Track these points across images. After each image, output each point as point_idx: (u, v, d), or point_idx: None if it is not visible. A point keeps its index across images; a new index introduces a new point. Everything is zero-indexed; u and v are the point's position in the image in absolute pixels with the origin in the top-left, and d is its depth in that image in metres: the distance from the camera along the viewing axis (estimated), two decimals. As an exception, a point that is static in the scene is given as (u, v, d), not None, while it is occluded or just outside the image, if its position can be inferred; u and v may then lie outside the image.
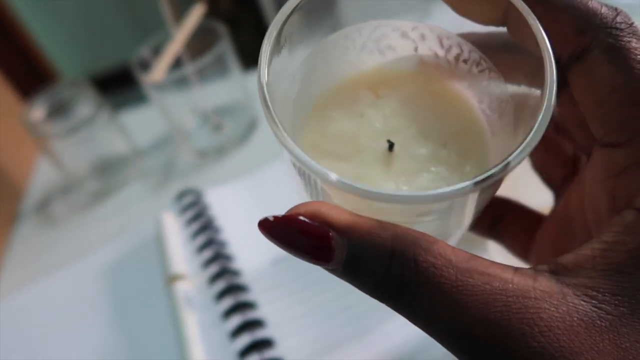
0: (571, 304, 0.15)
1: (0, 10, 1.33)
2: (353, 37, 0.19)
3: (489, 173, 0.15)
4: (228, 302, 0.40)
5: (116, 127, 0.59)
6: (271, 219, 0.16)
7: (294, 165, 0.16)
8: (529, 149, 0.15)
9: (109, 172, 0.59)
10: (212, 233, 0.47)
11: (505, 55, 0.18)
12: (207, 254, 0.45)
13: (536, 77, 0.16)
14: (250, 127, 0.59)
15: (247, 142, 0.59)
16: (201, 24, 0.56)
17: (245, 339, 0.38)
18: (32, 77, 1.40)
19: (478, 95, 0.19)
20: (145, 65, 0.55)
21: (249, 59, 0.59)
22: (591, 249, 0.16)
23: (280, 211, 0.51)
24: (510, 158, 0.15)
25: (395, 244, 0.15)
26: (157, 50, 0.55)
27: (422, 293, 0.15)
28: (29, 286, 0.50)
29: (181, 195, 0.51)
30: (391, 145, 0.18)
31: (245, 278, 0.43)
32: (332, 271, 0.16)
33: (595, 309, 0.15)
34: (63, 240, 0.55)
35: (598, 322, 0.15)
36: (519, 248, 0.25)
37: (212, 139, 0.59)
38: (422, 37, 0.19)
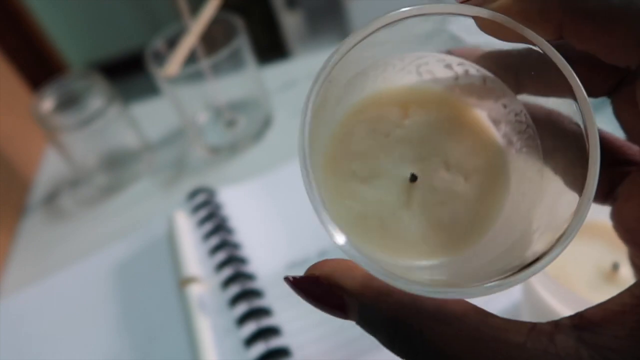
0: None
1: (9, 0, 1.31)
2: (394, 63, 0.18)
3: (509, 280, 0.15)
4: (242, 307, 0.39)
5: (127, 120, 0.57)
6: (291, 279, 0.17)
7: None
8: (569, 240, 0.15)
9: (118, 166, 0.58)
10: (226, 234, 0.45)
11: (539, 79, 0.17)
12: (221, 256, 0.43)
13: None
14: (265, 124, 0.58)
15: (262, 139, 0.57)
16: (215, 17, 0.55)
17: (260, 348, 0.36)
18: (42, 67, 1.38)
19: (509, 135, 0.18)
20: (159, 58, 0.53)
21: (259, 51, 0.57)
22: (621, 304, 0.14)
23: (297, 212, 0.49)
24: (546, 258, 0.15)
25: (400, 313, 0.15)
26: (171, 43, 0.53)
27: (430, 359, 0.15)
28: (34, 283, 0.49)
29: (193, 193, 0.50)
30: (414, 178, 0.18)
31: (260, 282, 0.41)
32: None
33: None
34: (71, 236, 0.54)
35: None
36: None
37: (225, 135, 0.58)
38: (466, 73, 0.18)
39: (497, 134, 0.18)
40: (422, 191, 0.18)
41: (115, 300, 0.45)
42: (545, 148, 0.17)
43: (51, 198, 0.59)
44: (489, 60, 0.18)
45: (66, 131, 0.52)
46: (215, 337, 0.38)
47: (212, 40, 0.55)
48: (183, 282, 0.42)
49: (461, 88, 0.18)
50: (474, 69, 0.18)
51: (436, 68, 0.18)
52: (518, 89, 0.18)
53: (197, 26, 0.52)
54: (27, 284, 0.49)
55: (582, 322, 0.14)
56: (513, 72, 0.18)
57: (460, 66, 0.18)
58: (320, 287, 0.17)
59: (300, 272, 0.47)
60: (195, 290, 0.41)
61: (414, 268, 0.17)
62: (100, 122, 0.53)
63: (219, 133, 0.58)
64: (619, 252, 0.28)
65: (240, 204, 0.49)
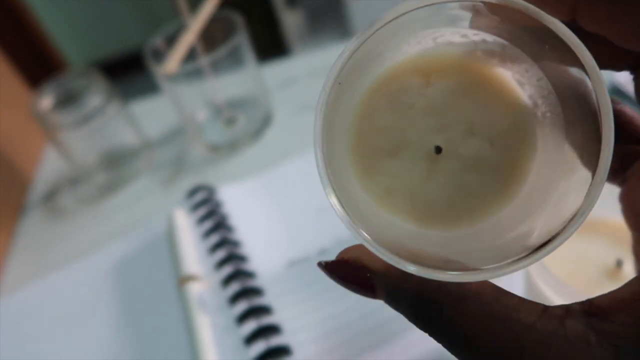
0: (591, 355, 0.14)
1: (9, -3, 1.31)
2: (408, 41, 0.18)
3: (519, 264, 0.15)
4: (242, 305, 0.39)
5: (126, 118, 0.57)
6: (323, 264, 0.19)
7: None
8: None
9: (118, 164, 0.58)
10: (225, 232, 0.45)
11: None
12: (221, 254, 0.43)
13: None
14: (265, 122, 0.58)
15: (262, 138, 0.57)
16: (215, 14, 0.54)
17: (260, 346, 0.36)
18: (42, 67, 1.38)
19: (534, 97, 0.18)
20: (158, 55, 0.53)
21: (259, 50, 0.57)
22: (630, 292, 0.15)
23: (297, 210, 0.50)
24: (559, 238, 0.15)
25: (420, 290, 0.16)
26: (170, 40, 0.53)
27: (449, 335, 0.16)
28: (34, 281, 0.48)
29: (193, 191, 0.49)
30: (438, 150, 0.18)
31: (260, 281, 0.41)
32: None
33: None
34: (70, 234, 0.53)
35: None
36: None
37: (224, 134, 0.57)
38: (484, 40, 0.18)
39: (523, 94, 0.18)
40: (448, 160, 0.18)
41: (115, 298, 0.44)
42: (566, 118, 0.17)
43: (51, 196, 0.59)
44: (505, 32, 0.17)
45: (65, 129, 0.52)
46: (215, 335, 0.38)
47: (212, 38, 0.54)
48: (182, 280, 0.41)
49: (482, 52, 0.18)
50: (491, 38, 0.18)
51: (453, 38, 0.18)
52: (537, 57, 0.17)
53: (197, 24, 0.52)
54: (27, 283, 0.49)
55: (592, 308, 0.15)
56: (531, 43, 0.17)
57: (477, 36, 0.18)
58: (350, 270, 0.18)
59: (302, 271, 0.47)
60: (195, 289, 0.41)
61: (434, 241, 0.18)
62: (99, 120, 0.53)
63: (219, 131, 0.58)
64: (623, 249, 0.28)
65: (240, 202, 0.48)
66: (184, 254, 0.44)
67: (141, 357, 0.40)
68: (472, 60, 0.18)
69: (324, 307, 0.38)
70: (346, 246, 0.18)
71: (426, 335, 0.40)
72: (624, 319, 0.14)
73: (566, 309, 0.15)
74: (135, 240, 0.49)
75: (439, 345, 0.39)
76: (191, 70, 0.52)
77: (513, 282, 0.36)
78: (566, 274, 0.27)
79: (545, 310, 0.15)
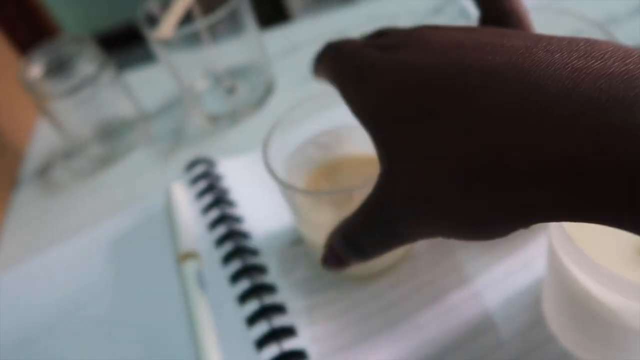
0: None
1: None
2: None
3: None
4: (244, 284, 0.37)
5: (121, 87, 0.54)
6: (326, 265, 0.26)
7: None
8: None
9: (113, 136, 0.55)
10: (226, 207, 0.43)
11: None
12: (221, 230, 0.41)
13: None
14: (267, 91, 0.55)
15: (264, 108, 0.54)
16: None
17: (263, 327, 0.34)
18: (36, 37, 1.34)
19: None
20: (153, 20, 0.50)
21: (260, 17, 0.54)
22: None
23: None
24: None
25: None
26: (165, 4, 0.50)
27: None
28: (28, 259, 0.46)
29: (192, 164, 0.47)
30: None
31: (263, 258, 0.39)
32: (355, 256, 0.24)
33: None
34: (64, 209, 0.51)
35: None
36: None
37: (224, 103, 0.55)
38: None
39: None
40: None
41: (112, 276, 0.43)
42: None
43: (44, 170, 0.56)
44: None
45: (56, 98, 0.49)
46: (215, 315, 0.36)
47: (209, 2, 0.51)
48: (181, 257, 0.39)
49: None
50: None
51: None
52: None
53: (193, -15, 0.49)
54: (20, 260, 0.47)
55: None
56: None
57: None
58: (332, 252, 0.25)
59: (304, 248, 0.44)
60: (194, 266, 0.39)
61: None
62: (92, 89, 0.50)
63: (219, 101, 0.55)
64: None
65: (242, 175, 0.46)
66: (182, 229, 0.41)
67: (138, 336, 0.38)
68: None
69: (331, 286, 0.36)
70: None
71: (438, 316, 0.38)
72: None
73: None
74: (132, 215, 0.46)
75: (452, 326, 0.37)
76: (188, 35, 0.49)
77: (535, 259, 0.34)
78: (596, 253, 0.24)
79: None
